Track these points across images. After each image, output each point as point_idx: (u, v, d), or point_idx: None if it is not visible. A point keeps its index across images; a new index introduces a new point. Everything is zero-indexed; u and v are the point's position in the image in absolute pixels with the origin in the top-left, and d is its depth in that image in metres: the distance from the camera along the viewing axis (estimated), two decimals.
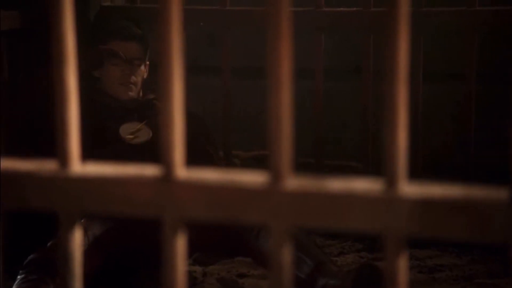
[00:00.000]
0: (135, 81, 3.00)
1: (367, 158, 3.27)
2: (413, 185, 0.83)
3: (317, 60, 3.27)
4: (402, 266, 0.84)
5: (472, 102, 3.15)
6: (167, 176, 0.88)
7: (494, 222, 0.80)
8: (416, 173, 3.06)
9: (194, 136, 2.83)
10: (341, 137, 3.73)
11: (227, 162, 3.35)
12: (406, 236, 0.83)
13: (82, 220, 2.58)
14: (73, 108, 0.90)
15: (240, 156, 3.62)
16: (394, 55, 0.83)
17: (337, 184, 0.83)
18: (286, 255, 0.85)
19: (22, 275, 2.48)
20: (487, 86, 3.43)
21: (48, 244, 2.55)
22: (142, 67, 3.04)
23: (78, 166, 0.91)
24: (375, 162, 3.24)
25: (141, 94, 3.06)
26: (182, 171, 0.88)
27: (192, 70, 3.24)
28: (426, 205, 0.81)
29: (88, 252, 2.48)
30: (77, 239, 0.93)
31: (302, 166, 3.22)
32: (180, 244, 0.89)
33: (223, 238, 2.68)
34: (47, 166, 0.91)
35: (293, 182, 0.84)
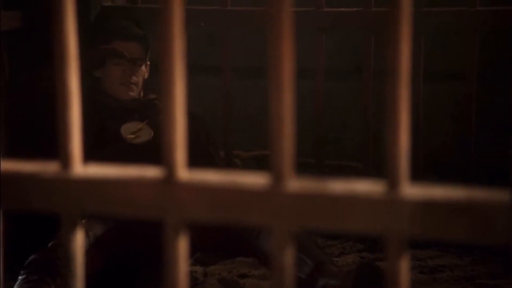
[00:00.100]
0: (136, 81, 3.01)
1: (368, 158, 3.27)
2: (415, 187, 0.83)
3: (318, 60, 3.27)
4: (404, 267, 0.84)
5: (472, 102, 3.15)
6: (169, 178, 0.87)
7: (496, 223, 0.80)
8: (417, 173, 3.06)
9: (195, 137, 2.83)
10: (342, 137, 3.73)
11: (228, 162, 3.35)
12: (408, 237, 0.83)
13: (83, 221, 2.58)
14: (75, 110, 0.90)
15: (241, 156, 3.62)
16: (395, 56, 0.82)
17: (338, 186, 0.83)
18: (288, 256, 0.85)
19: (23, 276, 2.48)
20: (487, 86, 3.43)
21: (49, 244, 2.56)
22: (143, 67, 3.04)
23: (80, 168, 0.91)
24: (375, 162, 3.24)
25: (142, 94, 3.06)
26: (184, 173, 0.88)
27: (192, 70, 3.25)
28: (428, 206, 0.81)
29: (89, 253, 2.48)
30: (79, 240, 0.93)
31: (302, 166, 3.22)
32: (182, 246, 0.89)
33: (224, 238, 2.68)
34: (49, 167, 0.91)
35: (295, 184, 0.84)
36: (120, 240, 2.66)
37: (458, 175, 3.19)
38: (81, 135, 0.92)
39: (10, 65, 3.07)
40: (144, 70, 3.05)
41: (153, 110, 3.00)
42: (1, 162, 0.94)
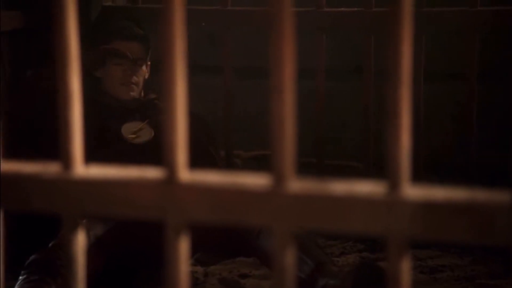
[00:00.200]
0: (136, 81, 3.01)
1: (368, 158, 3.27)
2: (415, 188, 0.83)
3: (319, 60, 3.27)
4: (405, 268, 0.84)
5: (473, 102, 3.15)
6: (170, 178, 0.87)
7: (497, 224, 0.80)
8: (417, 173, 3.06)
9: (196, 137, 2.83)
10: (342, 137, 3.73)
11: (228, 162, 3.35)
12: (408, 238, 0.83)
13: (84, 221, 2.58)
14: (76, 111, 0.90)
15: (241, 156, 3.62)
16: (397, 57, 0.82)
17: (339, 187, 0.83)
18: (289, 257, 0.85)
19: (24, 276, 2.48)
20: (487, 86, 3.43)
21: (50, 244, 2.56)
22: (144, 67, 3.05)
23: (81, 169, 0.91)
24: (376, 162, 3.24)
25: (142, 94, 3.06)
26: (185, 174, 0.88)
27: (192, 70, 3.25)
28: (428, 207, 0.81)
29: (90, 253, 2.48)
30: (80, 241, 0.93)
31: (303, 166, 3.21)
32: (183, 247, 0.89)
33: (225, 238, 2.68)
34: (50, 168, 0.91)
35: (296, 184, 0.84)
36: (120, 240, 2.66)
37: (459, 175, 3.18)
38: (82, 136, 0.92)
39: (11, 65, 3.07)
40: (144, 70, 3.05)
41: (153, 110, 3.00)
42: (2, 163, 0.94)
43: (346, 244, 3.18)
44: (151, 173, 0.89)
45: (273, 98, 0.85)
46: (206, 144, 3.00)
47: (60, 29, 0.90)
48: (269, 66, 0.85)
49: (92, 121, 2.72)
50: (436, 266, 2.98)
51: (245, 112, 3.76)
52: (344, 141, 3.73)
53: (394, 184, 0.82)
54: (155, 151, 2.75)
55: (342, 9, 3.25)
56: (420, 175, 3.13)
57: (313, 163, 3.31)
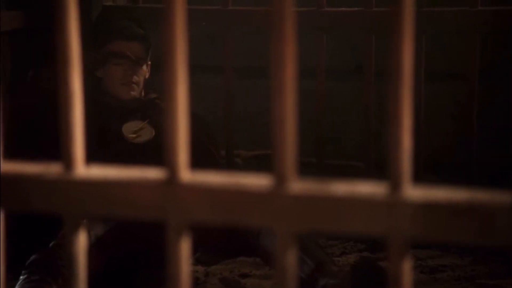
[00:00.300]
0: (137, 81, 3.01)
1: (369, 158, 3.27)
2: (417, 188, 0.83)
3: (319, 60, 3.27)
4: (406, 268, 0.84)
5: (474, 102, 3.15)
6: (171, 179, 0.87)
7: (497, 225, 0.80)
8: (417, 174, 3.06)
9: (197, 136, 2.83)
10: (342, 137, 3.73)
11: (229, 162, 3.35)
12: (410, 239, 0.83)
13: (84, 221, 2.58)
14: (78, 111, 0.90)
15: (242, 155, 3.62)
16: (398, 57, 0.82)
17: (341, 188, 0.83)
18: (291, 258, 0.85)
19: (25, 276, 2.48)
20: (488, 86, 3.43)
21: (51, 244, 2.56)
22: (144, 67, 3.05)
23: (83, 169, 0.91)
24: (376, 162, 3.24)
25: (143, 93, 3.06)
26: (186, 174, 0.88)
27: (193, 70, 3.25)
28: (430, 208, 0.81)
29: (90, 253, 2.48)
30: (82, 242, 0.93)
31: (303, 166, 3.21)
32: (184, 247, 0.89)
33: (225, 238, 2.68)
34: (52, 169, 0.91)
35: (297, 186, 0.84)
36: (121, 240, 2.66)
37: (459, 175, 3.18)
38: (83, 137, 0.92)
39: (11, 65, 3.07)
40: (145, 70, 3.06)
41: (154, 110, 3.00)
42: (3, 163, 0.94)
43: (347, 244, 3.18)
44: (152, 173, 0.89)
45: (274, 99, 0.85)
46: (206, 144, 3.00)
47: (61, 30, 0.90)
48: (270, 66, 0.85)
49: (93, 121, 2.72)
50: (437, 266, 2.98)
51: (245, 111, 3.76)
52: (344, 141, 3.73)
53: (395, 185, 0.82)
54: (156, 151, 2.76)
55: (343, 9, 3.25)
56: (420, 175, 3.12)
57: (314, 163, 3.31)
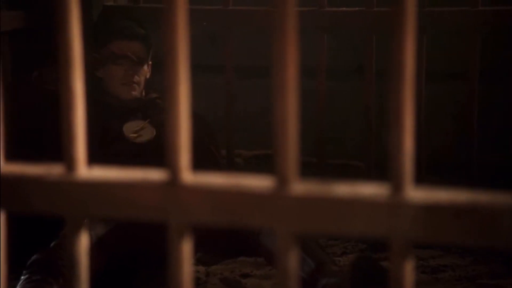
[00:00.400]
0: (138, 80, 3.01)
1: (369, 158, 3.27)
2: (419, 190, 0.83)
3: (320, 60, 3.27)
4: (408, 270, 0.83)
5: (474, 102, 3.15)
6: (173, 180, 0.87)
7: (500, 226, 0.80)
8: (418, 174, 3.06)
9: (197, 136, 2.83)
10: (343, 137, 3.73)
11: (229, 161, 3.35)
12: (412, 240, 0.82)
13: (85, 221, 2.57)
14: (80, 113, 0.90)
15: (242, 155, 3.62)
16: (400, 58, 0.82)
17: (343, 189, 0.83)
18: (292, 259, 0.85)
19: (26, 276, 2.48)
20: (488, 86, 3.43)
21: (52, 244, 2.56)
22: (145, 67, 3.05)
23: (85, 171, 0.91)
24: (377, 162, 3.24)
25: (143, 93, 3.06)
26: (188, 175, 0.88)
27: (193, 70, 3.25)
28: (432, 209, 0.81)
29: (91, 253, 2.48)
30: (83, 243, 0.93)
31: (304, 166, 3.21)
32: (186, 249, 0.89)
33: (225, 238, 2.68)
34: (54, 170, 0.91)
35: (299, 187, 0.84)
36: (122, 240, 2.66)
37: (459, 175, 3.18)
38: (85, 138, 0.92)
39: (12, 65, 3.07)
40: (146, 70, 3.06)
41: (155, 109, 3.00)
42: (5, 164, 0.94)
43: (348, 244, 3.18)
44: (154, 175, 0.89)
45: (276, 100, 0.84)
46: (207, 143, 3.00)
47: (63, 30, 0.90)
48: (271, 66, 0.85)
49: (94, 121, 2.72)
50: (438, 266, 2.98)
51: (246, 111, 3.76)
52: (345, 140, 3.73)
53: (397, 186, 0.82)
54: (157, 150, 2.76)
55: (344, 8, 3.25)
56: (420, 175, 3.12)
57: (314, 162, 3.31)
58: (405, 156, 0.83)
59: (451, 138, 3.60)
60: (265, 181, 0.86)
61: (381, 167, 2.81)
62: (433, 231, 0.81)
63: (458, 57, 3.33)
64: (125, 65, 2.99)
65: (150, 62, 3.08)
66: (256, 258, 2.90)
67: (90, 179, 0.90)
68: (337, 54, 3.62)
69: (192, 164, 0.90)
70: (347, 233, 0.83)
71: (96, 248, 2.57)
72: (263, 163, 3.55)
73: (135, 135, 2.91)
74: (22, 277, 2.49)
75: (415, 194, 0.82)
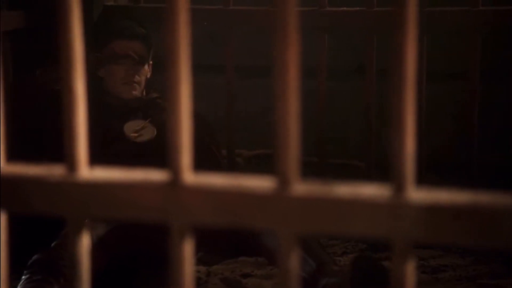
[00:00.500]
0: (138, 80, 3.01)
1: (370, 158, 3.27)
2: (420, 191, 0.83)
3: (320, 60, 3.27)
4: (409, 270, 0.84)
5: (475, 102, 3.15)
6: (175, 181, 0.87)
7: (500, 227, 0.80)
8: (419, 174, 3.06)
9: (198, 136, 2.83)
10: (343, 136, 3.73)
11: (230, 161, 3.35)
12: (413, 241, 0.83)
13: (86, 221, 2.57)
14: (81, 114, 0.90)
15: (243, 155, 3.62)
16: (401, 59, 0.82)
17: (344, 190, 0.83)
18: (294, 260, 0.85)
19: (27, 275, 2.48)
20: (488, 85, 3.43)
21: (53, 244, 2.56)
22: (146, 67, 3.05)
23: (86, 171, 0.91)
24: (377, 162, 3.24)
25: (144, 93, 3.06)
26: (189, 176, 0.88)
27: (194, 70, 3.25)
28: (433, 210, 0.81)
29: (92, 253, 2.48)
30: (84, 243, 0.93)
31: (304, 165, 3.20)
32: (187, 249, 0.89)
33: (226, 238, 2.68)
34: (55, 171, 0.91)
35: (301, 188, 0.84)
36: (122, 240, 2.66)
37: (459, 175, 3.18)
38: (87, 138, 0.92)
39: (12, 65, 3.07)
40: (146, 70, 3.06)
41: (156, 109, 3.00)
42: (6, 165, 0.94)
43: (348, 244, 3.18)
44: (156, 175, 0.89)
45: (277, 99, 0.84)
46: (208, 143, 3.00)
47: (64, 30, 0.90)
48: (272, 67, 0.85)
49: (95, 121, 2.72)
50: (438, 266, 2.98)
51: (246, 111, 3.76)
52: (345, 140, 3.72)
53: (398, 187, 0.82)
54: (158, 150, 2.76)
55: (344, 8, 3.25)
56: (421, 176, 3.12)
57: (315, 162, 3.31)
58: (407, 157, 0.83)
59: (451, 138, 3.60)
60: (266, 182, 0.86)
61: (381, 167, 2.81)
62: (434, 231, 0.81)
63: (458, 57, 3.33)
64: (126, 64, 2.99)
65: (151, 62, 3.08)
66: (257, 258, 2.90)
67: (92, 179, 0.90)
68: (337, 54, 3.62)
69: (193, 164, 0.90)
70: (348, 233, 0.83)
71: (97, 248, 2.57)
72: (264, 163, 3.55)
73: (135, 134, 2.91)
74: (23, 277, 2.49)
75: (416, 195, 0.82)
